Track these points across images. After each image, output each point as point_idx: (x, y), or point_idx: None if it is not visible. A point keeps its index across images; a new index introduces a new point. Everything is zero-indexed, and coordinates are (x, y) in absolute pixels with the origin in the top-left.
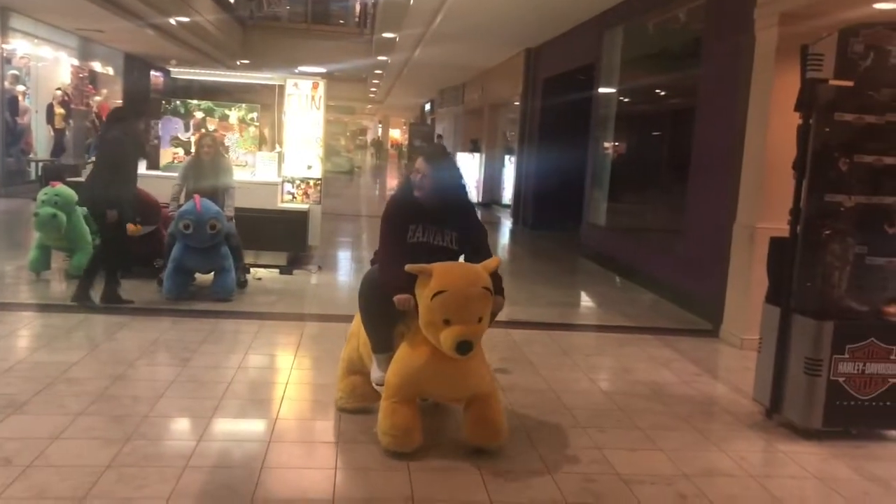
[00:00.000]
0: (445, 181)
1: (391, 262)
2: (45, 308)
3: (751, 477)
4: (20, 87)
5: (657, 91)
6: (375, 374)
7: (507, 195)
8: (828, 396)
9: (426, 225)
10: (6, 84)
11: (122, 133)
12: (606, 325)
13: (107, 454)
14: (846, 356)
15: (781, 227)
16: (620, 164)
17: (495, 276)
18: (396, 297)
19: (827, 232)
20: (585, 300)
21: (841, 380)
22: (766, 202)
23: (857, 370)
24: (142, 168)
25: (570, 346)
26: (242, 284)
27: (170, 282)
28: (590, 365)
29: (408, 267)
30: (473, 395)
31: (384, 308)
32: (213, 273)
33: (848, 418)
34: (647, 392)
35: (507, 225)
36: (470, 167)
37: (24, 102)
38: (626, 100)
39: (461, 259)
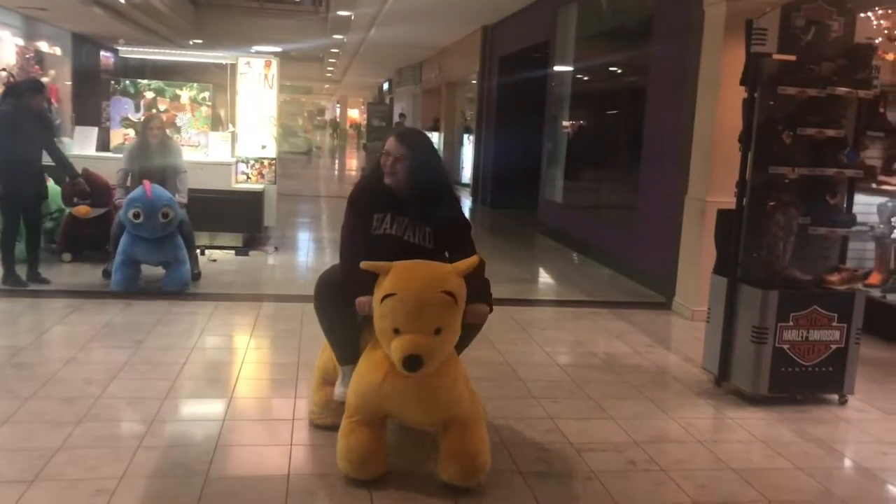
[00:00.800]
0: (420, 166)
1: (351, 257)
2: None
3: (699, 442)
4: None
5: (611, 69)
6: (338, 388)
7: (467, 174)
8: (773, 363)
9: (396, 216)
10: None
11: (13, 108)
12: (562, 300)
13: (57, 437)
14: (790, 324)
15: (731, 201)
16: (576, 142)
17: (476, 280)
18: (357, 300)
19: (771, 203)
20: (542, 276)
21: (786, 347)
22: (716, 176)
23: (801, 337)
24: (88, 149)
25: (527, 321)
26: (196, 276)
27: (119, 275)
28: (545, 338)
29: (363, 264)
30: (449, 420)
31: (345, 312)
32: (163, 264)
33: (793, 384)
34: (600, 363)
35: (466, 204)
36: None
37: None
38: (580, 77)
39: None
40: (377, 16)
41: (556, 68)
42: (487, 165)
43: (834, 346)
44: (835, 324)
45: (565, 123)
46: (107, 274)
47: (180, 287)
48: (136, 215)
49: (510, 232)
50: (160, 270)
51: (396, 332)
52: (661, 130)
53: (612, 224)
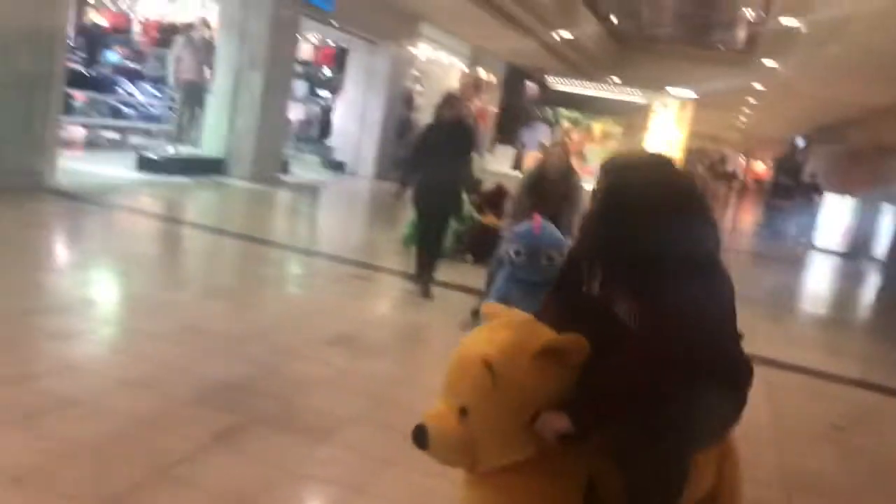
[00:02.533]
0: (611, 207)
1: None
2: (406, 276)
3: None
4: (418, 87)
5: None
6: None
7: (881, 250)
8: None
9: (607, 273)
10: (407, 83)
11: (431, 125)
12: None
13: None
14: None
15: None
16: None
17: (593, 377)
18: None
19: None
20: None
21: None
22: None
23: None
24: (504, 167)
25: None
26: None
27: None
28: None
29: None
30: None
31: None
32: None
33: None
34: None
35: (872, 281)
36: (839, 212)
37: (418, 100)
38: None
39: None
40: (806, 68)
41: None
42: None
43: None
44: None
45: None
46: (476, 315)
47: None
48: (518, 252)
49: None
50: None
51: None
52: None
53: None
